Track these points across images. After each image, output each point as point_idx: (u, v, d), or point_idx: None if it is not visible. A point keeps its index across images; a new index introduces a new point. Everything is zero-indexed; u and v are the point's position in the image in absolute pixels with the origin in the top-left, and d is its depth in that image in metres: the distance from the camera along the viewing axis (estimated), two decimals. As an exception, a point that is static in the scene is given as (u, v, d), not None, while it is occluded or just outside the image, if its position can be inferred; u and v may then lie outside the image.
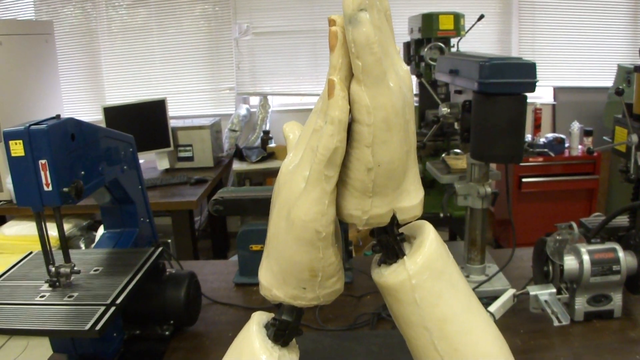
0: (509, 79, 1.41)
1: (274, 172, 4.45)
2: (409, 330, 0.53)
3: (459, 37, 3.28)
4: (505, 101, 1.45)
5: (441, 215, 3.20)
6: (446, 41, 3.29)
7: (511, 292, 1.58)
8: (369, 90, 0.43)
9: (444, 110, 1.67)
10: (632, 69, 4.12)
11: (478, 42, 4.29)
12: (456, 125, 1.78)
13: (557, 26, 4.72)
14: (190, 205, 3.43)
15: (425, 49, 3.27)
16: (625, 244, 1.42)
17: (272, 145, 4.61)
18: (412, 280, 0.50)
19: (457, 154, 2.30)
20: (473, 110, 1.53)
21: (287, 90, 4.90)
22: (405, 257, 0.51)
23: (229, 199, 1.78)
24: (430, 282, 0.51)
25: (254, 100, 4.96)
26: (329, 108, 0.43)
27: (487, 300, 1.58)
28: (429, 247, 0.51)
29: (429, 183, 3.22)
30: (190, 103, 4.87)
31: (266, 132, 4.62)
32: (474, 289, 1.60)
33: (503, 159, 1.52)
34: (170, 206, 3.44)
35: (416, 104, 3.49)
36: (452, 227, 3.61)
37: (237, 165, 4.38)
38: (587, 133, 4.33)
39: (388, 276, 0.52)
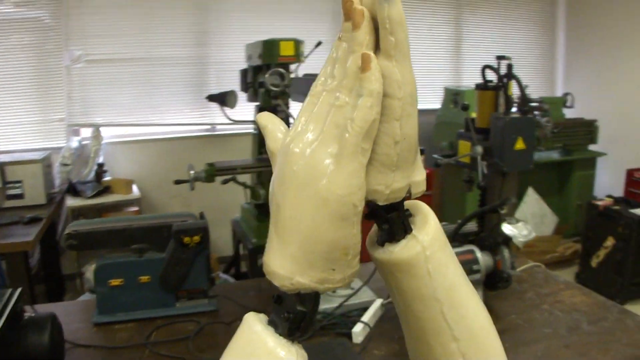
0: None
1: (110, 207, 4.22)
2: (418, 304, 0.54)
3: (298, 63, 3.38)
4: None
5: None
6: (286, 67, 3.36)
7: (379, 301, 1.64)
8: (399, 65, 0.46)
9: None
10: (458, 91, 4.54)
11: (316, 68, 4.43)
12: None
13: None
14: (26, 246, 3.12)
15: (267, 75, 3.31)
16: (480, 245, 1.54)
17: (107, 178, 4.36)
18: (427, 251, 0.52)
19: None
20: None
21: (120, 120, 4.67)
22: (414, 231, 0.53)
23: (84, 232, 1.66)
24: (440, 253, 0.53)
25: (86, 132, 4.66)
26: (364, 81, 0.45)
27: (357, 312, 1.62)
28: (434, 219, 0.54)
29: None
30: (18, 136, 4.44)
31: (100, 165, 4.36)
32: (342, 303, 1.64)
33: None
34: (3, 248, 3.10)
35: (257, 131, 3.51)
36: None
37: (71, 201, 4.07)
38: (418, 152, 4.65)
39: (400, 252, 0.52)
